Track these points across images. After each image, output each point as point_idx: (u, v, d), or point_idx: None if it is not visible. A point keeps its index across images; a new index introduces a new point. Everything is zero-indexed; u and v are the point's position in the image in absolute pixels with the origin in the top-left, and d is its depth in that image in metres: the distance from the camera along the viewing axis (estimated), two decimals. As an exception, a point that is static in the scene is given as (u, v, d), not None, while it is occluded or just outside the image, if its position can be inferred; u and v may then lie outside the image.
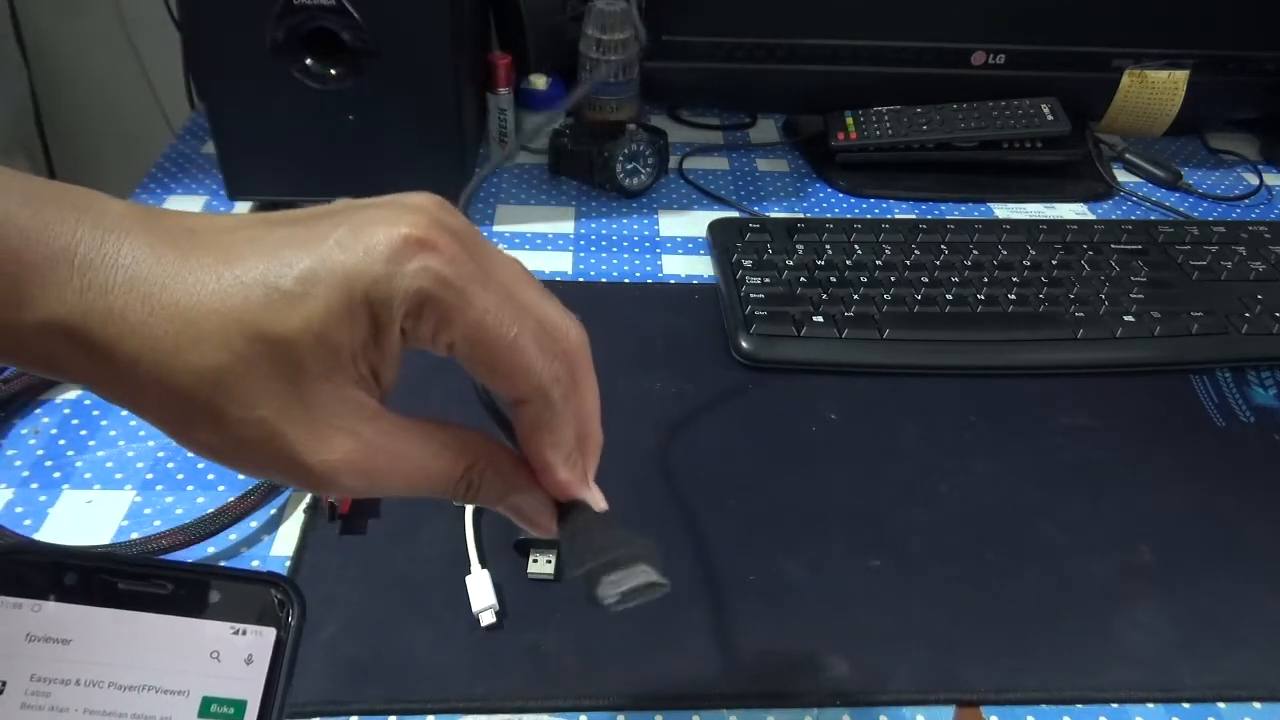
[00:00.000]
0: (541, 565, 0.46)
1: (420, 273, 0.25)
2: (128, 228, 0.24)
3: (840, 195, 0.80)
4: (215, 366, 0.24)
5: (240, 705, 0.19)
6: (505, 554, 0.46)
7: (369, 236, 0.25)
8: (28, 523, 0.47)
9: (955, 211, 0.78)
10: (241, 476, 0.50)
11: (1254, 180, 0.84)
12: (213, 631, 0.19)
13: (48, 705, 0.17)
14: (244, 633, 0.19)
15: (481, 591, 0.44)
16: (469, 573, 0.45)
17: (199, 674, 0.19)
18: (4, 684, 0.17)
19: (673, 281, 0.68)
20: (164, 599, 0.19)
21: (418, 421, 0.27)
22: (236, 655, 0.19)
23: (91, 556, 0.21)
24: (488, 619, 0.43)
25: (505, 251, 0.28)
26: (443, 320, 0.25)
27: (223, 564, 0.46)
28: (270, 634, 0.20)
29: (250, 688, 0.19)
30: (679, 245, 0.72)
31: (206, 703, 0.18)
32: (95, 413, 0.54)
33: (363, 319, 0.25)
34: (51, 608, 0.18)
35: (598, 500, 0.30)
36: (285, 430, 0.24)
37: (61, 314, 0.23)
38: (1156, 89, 0.81)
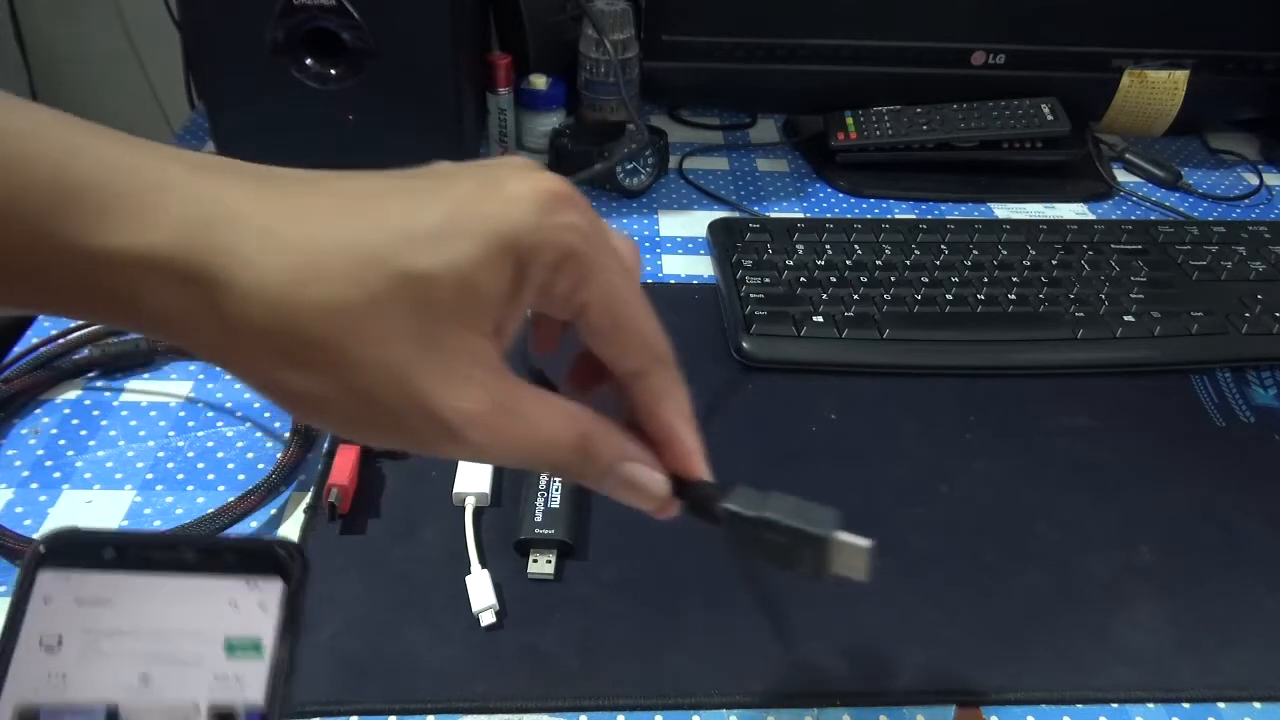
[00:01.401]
0: (541, 565, 0.46)
1: (569, 227, 0.24)
2: (226, 168, 0.23)
3: (840, 195, 0.80)
4: (345, 302, 0.22)
5: (257, 641, 0.23)
6: (505, 554, 0.46)
7: (509, 188, 0.24)
8: (28, 523, 0.47)
9: (955, 211, 0.78)
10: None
11: (1254, 180, 0.84)
12: (230, 585, 0.23)
13: (98, 652, 0.22)
14: (257, 585, 0.23)
15: (481, 591, 0.44)
16: (469, 573, 0.45)
17: (222, 619, 0.23)
18: (61, 637, 0.21)
19: (673, 281, 0.68)
20: (188, 563, 0.23)
21: (532, 386, 0.26)
22: (252, 603, 0.23)
23: (126, 535, 0.26)
24: (488, 619, 0.43)
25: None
26: (581, 279, 0.25)
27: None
28: (279, 584, 0.23)
29: (266, 628, 0.23)
30: (679, 245, 0.72)
31: (229, 642, 0.22)
32: (95, 413, 0.54)
33: (507, 267, 0.23)
34: (95, 576, 0.22)
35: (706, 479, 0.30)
36: (416, 375, 0.23)
37: (158, 242, 0.21)
38: (1156, 89, 0.81)
